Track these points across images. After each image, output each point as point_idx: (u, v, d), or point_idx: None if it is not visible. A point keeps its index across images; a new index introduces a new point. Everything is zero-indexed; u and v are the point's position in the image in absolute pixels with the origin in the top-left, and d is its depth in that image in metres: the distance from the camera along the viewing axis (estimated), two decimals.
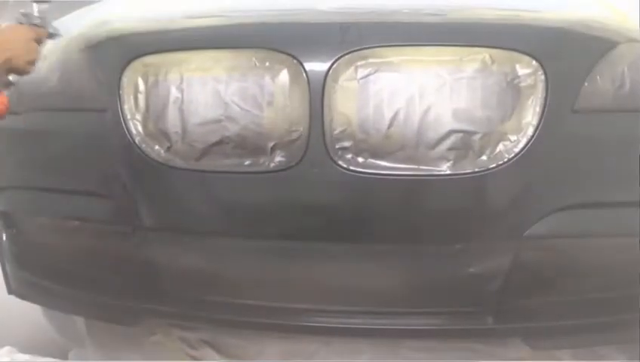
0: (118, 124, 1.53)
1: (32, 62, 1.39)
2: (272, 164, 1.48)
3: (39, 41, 1.42)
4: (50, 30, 1.45)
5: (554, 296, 1.53)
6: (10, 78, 1.37)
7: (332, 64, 1.43)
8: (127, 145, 1.53)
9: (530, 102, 1.43)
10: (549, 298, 1.53)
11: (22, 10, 1.42)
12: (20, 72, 1.37)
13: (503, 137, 1.44)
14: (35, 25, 1.42)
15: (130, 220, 1.56)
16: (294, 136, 1.46)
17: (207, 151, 1.50)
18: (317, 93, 1.43)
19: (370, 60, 1.44)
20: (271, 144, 1.48)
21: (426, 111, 1.43)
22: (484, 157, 1.44)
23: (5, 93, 1.38)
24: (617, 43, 1.46)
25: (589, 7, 1.61)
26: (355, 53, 1.44)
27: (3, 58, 1.33)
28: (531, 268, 1.49)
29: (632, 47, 1.47)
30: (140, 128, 1.54)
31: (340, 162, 1.45)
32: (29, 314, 1.96)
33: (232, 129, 1.48)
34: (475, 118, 1.43)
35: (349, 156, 1.45)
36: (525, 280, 1.50)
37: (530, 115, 1.43)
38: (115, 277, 1.64)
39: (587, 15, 1.54)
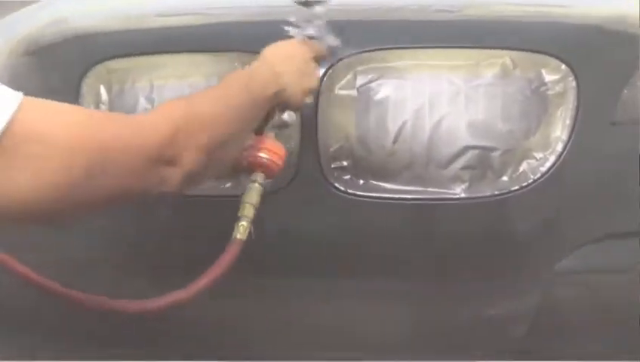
0: None
1: (310, 93, 1.17)
2: None
3: (318, 60, 1.20)
4: (331, 43, 1.24)
5: (590, 341, 1.47)
6: (286, 116, 1.14)
7: (327, 70, 1.37)
8: None
9: (559, 113, 1.39)
10: (584, 344, 1.47)
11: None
12: (294, 106, 1.15)
13: (527, 155, 1.39)
14: (311, 37, 1.20)
15: (103, 250, 1.47)
16: None
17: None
18: (310, 104, 1.34)
19: (372, 65, 1.40)
20: None
21: (437, 125, 1.38)
22: (505, 178, 1.39)
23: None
24: None
25: (626, 1, 1.55)
26: (354, 57, 1.39)
27: (274, 88, 1.07)
28: (563, 308, 1.45)
29: None
30: None
31: (337, 184, 1.39)
32: None
33: None
34: (494, 132, 1.39)
35: (347, 177, 1.40)
36: (556, 324, 1.45)
37: (559, 129, 1.38)
38: (73, 323, 1.49)
39: (624, 10, 1.49)
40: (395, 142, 1.38)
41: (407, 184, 1.39)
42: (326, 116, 1.38)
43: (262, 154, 1.11)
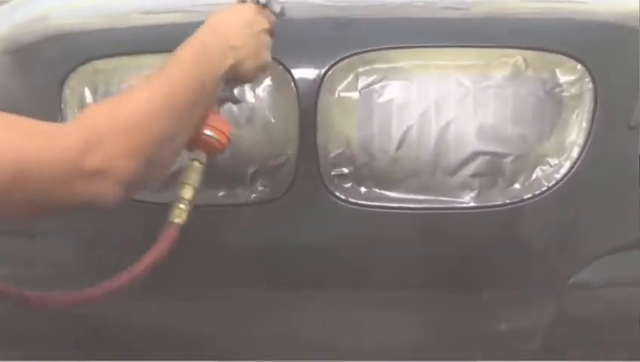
0: None
1: (264, 69, 1.08)
2: (253, 196, 1.39)
3: (272, 33, 1.10)
4: (276, 9, 1.12)
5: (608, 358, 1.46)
6: (236, 92, 1.07)
7: (327, 70, 1.35)
8: None
9: (574, 116, 1.36)
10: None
11: None
12: (245, 82, 1.08)
13: (540, 161, 1.36)
14: (263, 4, 1.09)
15: (76, 265, 1.45)
16: (280, 160, 1.38)
17: (170, 179, 1.35)
18: (308, 107, 1.35)
19: (375, 66, 1.37)
20: (251, 171, 1.39)
21: (445, 129, 1.35)
22: (516, 186, 1.36)
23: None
24: None
25: None
26: (356, 57, 1.36)
27: (228, 65, 0.98)
28: (578, 324, 1.42)
29: None
30: None
31: (337, 193, 1.36)
32: None
33: None
34: (505, 136, 1.36)
35: (348, 185, 1.37)
36: (570, 340, 1.43)
37: (575, 133, 1.36)
38: (52, 340, 1.54)
39: None
40: (399, 147, 1.35)
41: (413, 192, 1.37)
42: (326, 120, 1.36)
43: (206, 131, 1.02)
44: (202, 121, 1.00)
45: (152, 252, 0.98)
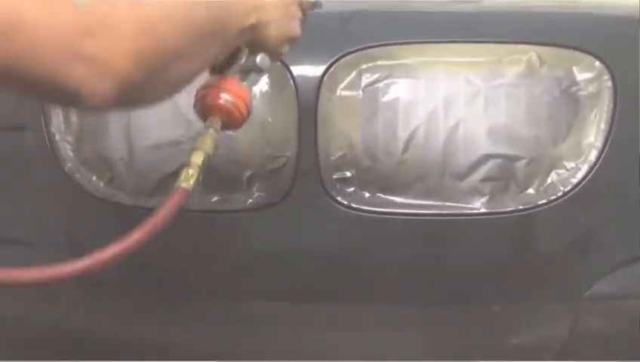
0: (43, 146, 1.41)
1: (291, 41, 1.04)
2: (250, 201, 1.38)
3: (305, 10, 1.07)
4: None
5: None
6: (258, 59, 1.00)
7: (328, 67, 1.33)
8: (55, 175, 1.42)
9: (592, 116, 1.34)
10: None
11: None
12: (268, 49, 1.01)
13: (556, 164, 1.35)
14: None
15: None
16: (278, 163, 1.37)
17: (162, 183, 1.38)
18: (308, 107, 1.33)
19: (379, 62, 1.35)
20: (247, 174, 1.38)
21: (454, 130, 1.33)
22: (530, 191, 1.35)
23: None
24: None
25: None
26: (359, 53, 1.34)
27: (253, 20, 0.93)
28: (595, 337, 1.41)
29: None
30: (71, 153, 1.43)
31: (339, 198, 1.35)
32: None
33: None
34: (518, 138, 1.34)
35: (351, 190, 1.36)
36: (587, 355, 1.40)
37: (593, 135, 1.34)
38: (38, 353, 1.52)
39: None
40: (405, 150, 1.34)
41: (419, 198, 1.36)
42: (327, 120, 1.34)
43: (224, 96, 0.96)
44: (223, 87, 0.96)
45: (154, 217, 0.94)
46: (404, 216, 1.36)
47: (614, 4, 1.43)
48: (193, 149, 0.95)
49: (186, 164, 0.94)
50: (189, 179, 0.93)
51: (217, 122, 0.96)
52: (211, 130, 0.95)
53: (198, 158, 0.94)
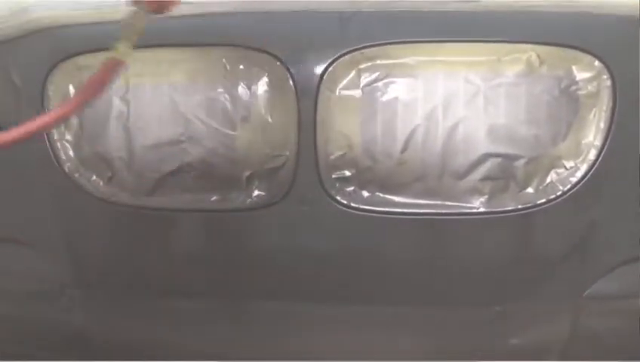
0: (42, 146, 1.41)
1: None
2: (249, 201, 1.38)
3: None
4: None
5: None
6: None
7: (327, 67, 1.33)
8: (55, 174, 1.42)
9: (592, 116, 1.34)
10: None
11: None
12: None
13: (555, 163, 1.35)
14: None
15: (59, 276, 1.44)
16: (278, 162, 1.37)
17: (162, 182, 1.39)
18: (308, 106, 1.33)
19: (379, 62, 1.35)
20: (247, 173, 1.38)
21: (453, 129, 1.33)
22: (530, 190, 1.35)
23: None
24: None
25: None
26: (358, 53, 1.34)
27: None
28: (595, 337, 1.40)
29: None
30: (71, 152, 1.43)
31: (338, 197, 1.35)
32: None
33: (194, 153, 1.40)
34: (517, 137, 1.34)
35: (351, 189, 1.36)
36: (587, 355, 1.40)
37: (592, 134, 1.34)
38: (37, 354, 1.51)
39: None
40: (404, 149, 1.34)
41: (419, 197, 1.35)
42: (326, 120, 1.34)
43: None
44: None
45: (89, 85, 1.02)
46: (403, 215, 1.36)
47: (614, 4, 1.41)
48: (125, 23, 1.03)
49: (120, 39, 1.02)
50: (123, 52, 1.03)
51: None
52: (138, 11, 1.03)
53: (129, 33, 1.03)
